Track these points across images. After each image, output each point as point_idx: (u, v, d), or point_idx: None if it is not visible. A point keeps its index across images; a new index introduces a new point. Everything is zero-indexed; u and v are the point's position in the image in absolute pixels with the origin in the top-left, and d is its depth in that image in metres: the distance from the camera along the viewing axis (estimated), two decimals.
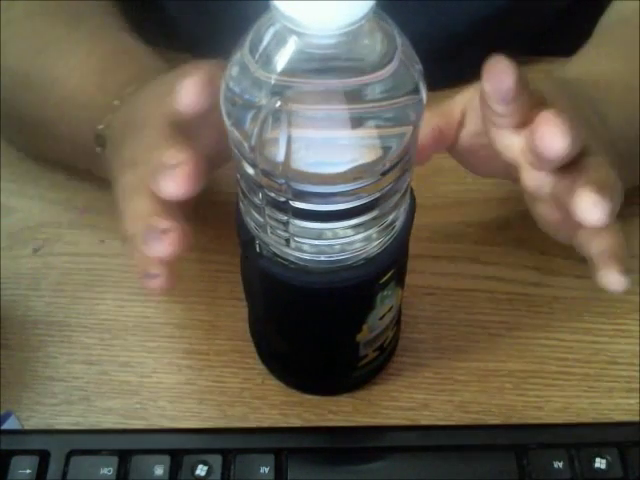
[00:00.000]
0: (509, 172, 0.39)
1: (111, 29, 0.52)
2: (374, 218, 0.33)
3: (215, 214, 0.52)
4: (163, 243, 0.35)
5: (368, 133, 0.30)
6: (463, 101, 0.41)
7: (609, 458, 0.39)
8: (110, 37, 0.51)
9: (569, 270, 0.49)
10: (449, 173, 0.54)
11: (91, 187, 0.53)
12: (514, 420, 0.44)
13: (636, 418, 0.43)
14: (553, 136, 0.33)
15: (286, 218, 0.32)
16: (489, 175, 0.45)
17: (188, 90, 0.36)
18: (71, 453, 0.40)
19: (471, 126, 0.41)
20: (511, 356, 0.46)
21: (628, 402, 0.44)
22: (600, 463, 0.39)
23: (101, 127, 0.45)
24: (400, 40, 0.30)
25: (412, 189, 0.37)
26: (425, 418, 0.44)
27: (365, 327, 0.39)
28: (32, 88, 0.49)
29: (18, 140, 0.55)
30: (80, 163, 0.51)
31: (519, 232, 0.51)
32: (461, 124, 0.41)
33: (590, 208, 0.33)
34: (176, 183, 0.35)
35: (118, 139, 0.44)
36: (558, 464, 0.39)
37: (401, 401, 0.45)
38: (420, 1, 0.49)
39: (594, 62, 0.47)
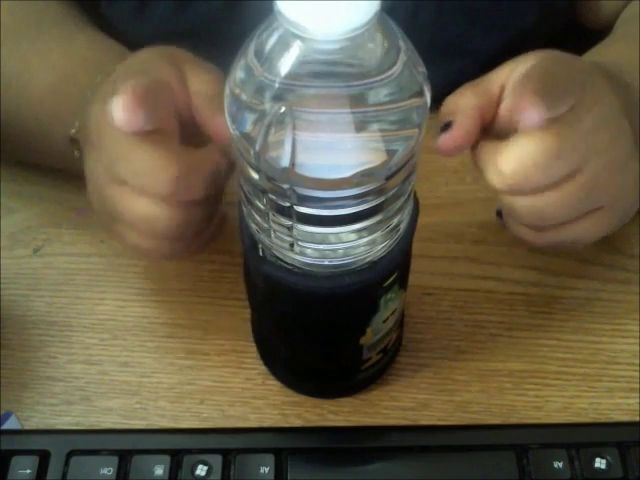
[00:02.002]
0: None
1: (68, 26, 0.51)
2: (378, 222, 0.33)
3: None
4: None
5: (373, 137, 0.30)
6: (502, 77, 0.40)
7: (609, 458, 0.39)
8: (69, 38, 0.50)
9: (569, 270, 0.49)
10: (449, 173, 0.54)
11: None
12: (514, 420, 0.44)
13: (636, 418, 0.43)
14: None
15: (290, 223, 0.32)
16: None
17: (119, 112, 0.36)
18: (71, 453, 0.40)
19: (509, 101, 0.39)
20: (511, 356, 0.46)
21: (628, 402, 0.44)
22: (600, 463, 0.39)
23: (73, 131, 0.45)
24: (404, 44, 0.30)
25: (415, 192, 0.37)
26: (425, 418, 0.44)
27: (369, 330, 0.39)
28: (4, 103, 0.49)
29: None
30: (61, 165, 0.51)
31: None
32: (499, 101, 0.40)
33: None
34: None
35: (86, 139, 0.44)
36: (558, 464, 0.39)
37: (401, 401, 0.45)
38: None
39: (623, 48, 0.47)
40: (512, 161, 0.37)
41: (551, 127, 0.37)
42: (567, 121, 0.37)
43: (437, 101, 0.39)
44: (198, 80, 0.41)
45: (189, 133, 0.41)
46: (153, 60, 0.42)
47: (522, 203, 0.39)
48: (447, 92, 0.41)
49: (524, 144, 0.37)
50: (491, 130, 0.40)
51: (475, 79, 0.43)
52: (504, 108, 0.39)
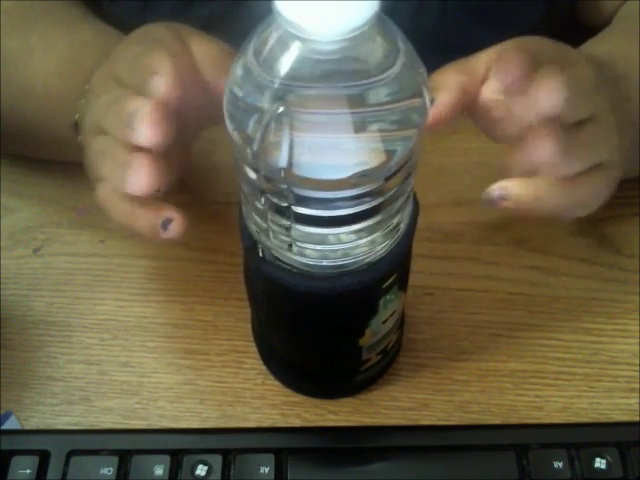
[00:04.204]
0: (520, 136, 0.39)
1: (74, 17, 0.51)
2: (378, 223, 0.33)
3: (214, 214, 0.52)
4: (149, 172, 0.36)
5: (372, 137, 0.30)
6: (488, 58, 0.40)
7: (609, 458, 0.39)
8: (74, 26, 0.50)
9: (569, 270, 0.49)
10: (449, 173, 0.54)
11: (91, 187, 0.53)
12: (514, 420, 0.44)
13: (636, 418, 0.43)
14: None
15: (288, 223, 0.32)
16: (501, 139, 0.43)
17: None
18: (71, 453, 0.40)
19: (493, 82, 0.40)
20: (511, 356, 0.46)
21: (628, 402, 0.44)
22: (600, 463, 0.39)
23: (77, 116, 0.45)
24: (403, 44, 0.30)
25: (415, 193, 0.37)
26: (425, 418, 0.44)
27: (368, 331, 0.39)
28: (8, 92, 0.49)
29: (8, 145, 0.54)
30: (63, 156, 0.51)
31: (519, 232, 0.51)
32: (484, 80, 0.40)
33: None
34: (150, 128, 0.35)
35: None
36: (558, 464, 0.39)
37: (401, 401, 0.45)
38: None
39: (619, 41, 0.47)
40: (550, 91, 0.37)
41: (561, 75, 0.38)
42: (569, 73, 0.38)
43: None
44: (204, 48, 0.41)
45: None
46: (160, 32, 0.42)
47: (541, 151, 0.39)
48: None
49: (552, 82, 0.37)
50: (471, 110, 0.41)
51: None
52: (487, 89, 0.40)
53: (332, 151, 0.30)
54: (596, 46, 0.48)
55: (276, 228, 0.33)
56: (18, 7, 0.50)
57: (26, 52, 0.49)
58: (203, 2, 0.54)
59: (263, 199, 0.32)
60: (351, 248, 0.34)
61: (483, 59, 0.40)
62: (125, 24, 0.55)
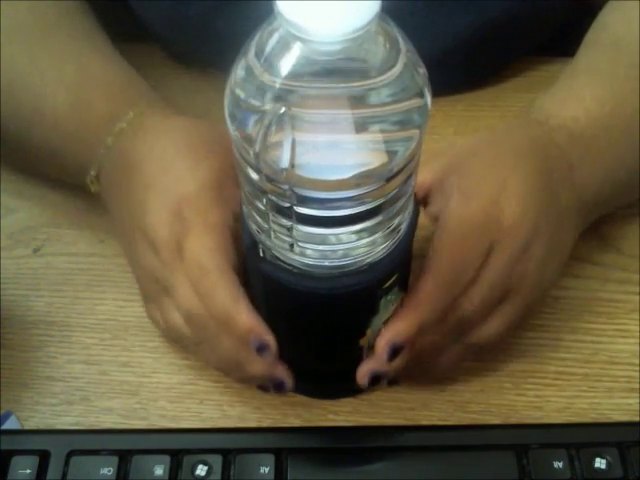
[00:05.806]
0: None
1: (87, 42, 0.50)
2: (379, 223, 0.33)
3: None
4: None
5: (374, 138, 0.30)
6: (424, 183, 0.41)
7: (609, 458, 0.39)
8: (88, 56, 0.49)
9: (569, 270, 0.49)
10: None
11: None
12: (514, 420, 0.44)
13: (636, 418, 0.43)
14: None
15: (290, 223, 0.32)
16: None
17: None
18: (71, 453, 0.40)
19: (434, 207, 0.41)
20: (511, 356, 0.46)
21: (628, 402, 0.44)
22: (600, 463, 0.39)
23: (94, 173, 0.45)
24: (404, 44, 0.30)
25: (416, 194, 0.37)
26: (425, 418, 0.44)
27: (369, 331, 0.39)
28: (18, 116, 0.48)
29: (11, 159, 0.54)
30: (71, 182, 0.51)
31: None
32: (424, 203, 0.42)
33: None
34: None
35: (114, 193, 0.45)
36: (558, 464, 0.39)
37: (401, 401, 0.45)
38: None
39: (582, 98, 0.45)
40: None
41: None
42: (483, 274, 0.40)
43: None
44: (200, 245, 0.40)
45: None
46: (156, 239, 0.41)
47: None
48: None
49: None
50: None
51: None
52: (429, 212, 0.42)
53: (334, 152, 0.30)
54: (564, 102, 0.46)
55: (278, 228, 0.33)
56: (17, 14, 0.49)
57: (33, 67, 0.48)
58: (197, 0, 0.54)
59: (265, 199, 0.32)
60: (352, 248, 0.34)
61: (420, 185, 0.41)
62: (124, 21, 0.55)
